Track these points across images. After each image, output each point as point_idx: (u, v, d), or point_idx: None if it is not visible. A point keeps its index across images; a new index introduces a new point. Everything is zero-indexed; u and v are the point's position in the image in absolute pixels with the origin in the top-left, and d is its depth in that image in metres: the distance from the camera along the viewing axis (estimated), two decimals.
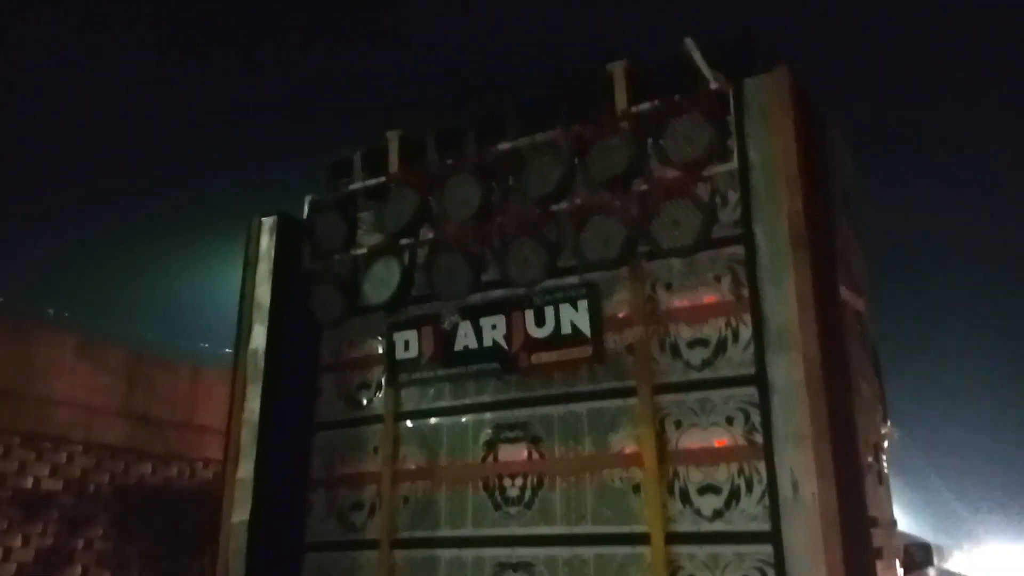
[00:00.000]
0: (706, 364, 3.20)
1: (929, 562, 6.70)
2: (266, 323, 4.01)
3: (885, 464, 4.78)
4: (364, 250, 4.01)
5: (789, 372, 2.79)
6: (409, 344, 3.74)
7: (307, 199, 4.29)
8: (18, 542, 12.96)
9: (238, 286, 4.22)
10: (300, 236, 4.17)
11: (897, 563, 3.36)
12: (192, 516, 14.19)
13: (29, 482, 12.85)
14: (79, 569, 13.37)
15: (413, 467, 3.74)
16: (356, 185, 4.19)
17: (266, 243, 4.20)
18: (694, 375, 3.21)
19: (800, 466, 2.68)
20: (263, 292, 4.09)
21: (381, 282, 3.87)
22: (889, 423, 5.36)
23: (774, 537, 2.75)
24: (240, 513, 3.73)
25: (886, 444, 5.30)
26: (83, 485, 14.00)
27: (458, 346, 3.61)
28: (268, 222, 4.25)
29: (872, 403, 3.37)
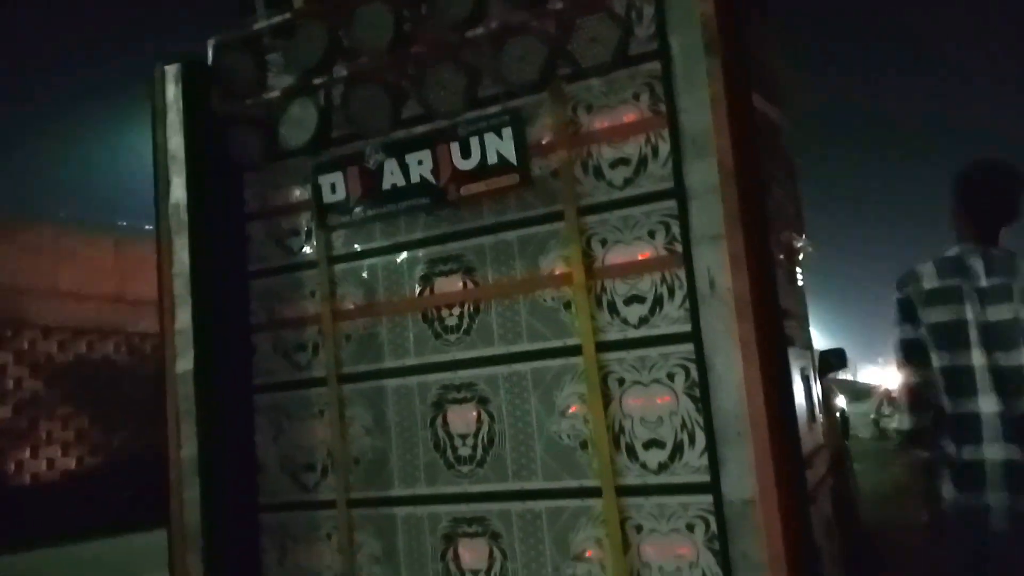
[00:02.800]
0: (628, 182, 3.29)
1: (843, 365, 7.23)
2: (184, 174, 3.91)
3: (800, 272, 5.09)
4: (277, 92, 3.88)
5: (705, 177, 2.90)
6: (336, 186, 3.72)
7: (210, 42, 4.08)
8: None
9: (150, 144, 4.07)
10: (208, 82, 4.00)
11: (810, 357, 3.65)
12: (135, 390, 14.31)
13: None
14: (28, 447, 13.53)
15: (352, 306, 3.83)
16: (261, 24, 3.98)
17: (172, 92, 4.01)
18: (617, 194, 3.31)
19: (716, 264, 2.85)
20: (176, 143, 3.95)
21: (298, 124, 3.77)
22: (805, 236, 5.66)
23: (695, 335, 2.96)
24: (184, 363, 3.79)
25: (801, 256, 5.61)
26: (21, 365, 13.90)
27: (386, 184, 3.61)
28: (172, 70, 4.04)
29: (784, 207, 3.54)
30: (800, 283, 5.73)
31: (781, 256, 3.29)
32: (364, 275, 3.81)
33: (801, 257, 5.83)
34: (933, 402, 2.74)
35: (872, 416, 19.16)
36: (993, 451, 2.57)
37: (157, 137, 4.01)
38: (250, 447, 3.97)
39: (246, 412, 3.99)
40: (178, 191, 3.95)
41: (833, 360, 7.22)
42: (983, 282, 2.66)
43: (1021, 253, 2.71)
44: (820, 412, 5.20)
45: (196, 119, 3.99)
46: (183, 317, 3.85)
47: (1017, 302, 2.58)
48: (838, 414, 7.51)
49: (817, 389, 4.46)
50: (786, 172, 4.21)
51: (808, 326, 4.95)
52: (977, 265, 2.70)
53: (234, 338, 4.01)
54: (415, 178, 3.53)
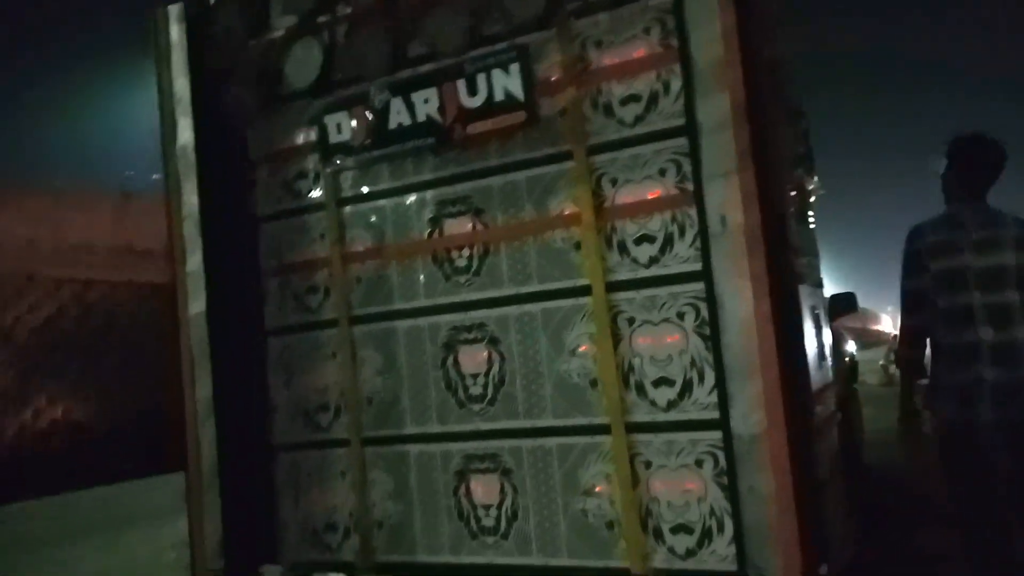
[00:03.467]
0: (638, 120, 3.25)
1: (852, 309, 7.23)
2: (190, 116, 3.89)
3: (812, 213, 5.06)
4: (281, 32, 3.83)
5: (716, 113, 2.86)
6: (341, 127, 3.69)
7: None
8: None
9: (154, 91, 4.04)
10: (211, 22, 3.95)
11: (821, 296, 3.64)
12: (143, 339, 14.42)
13: None
14: (41, 400, 13.72)
15: (361, 248, 3.83)
16: None
17: (176, 32, 3.97)
18: (627, 132, 3.27)
19: (727, 201, 2.84)
20: (181, 85, 3.92)
21: (303, 65, 3.74)
22: (816, 178, 5.61)
23: (705, 273, 2.96)
24: (196, 305, 3.82)
25: (813, 198, 5.57)
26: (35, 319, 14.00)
27: (392, 124, 3.58)
28: (175, 10, 3.99)
29: (792, 146, 3.50)
30: (812, 224, 5.70)
31: (792, 194, 3.27)
32: (373, 217, 3.81)
33: (812, 199, 5.80)
34: (928, 336, 3.23)
35: (881, 362, 19.22)
36: (988, 372, 3.04)
37: (162, 79, 3.97)
38: (264, 388, 4.02)
39: (259, 354, 4.04)
40: (185, 133, 3.93)
41: (843, 304, 7.20)
42: (975, 235, 3.14)
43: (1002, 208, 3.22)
44: (829, 353, 5.22)
45: (200, 60, 3.95)
46: (194, 259, 3.87)
47: (1004, 250, 3.08)
48: (847, 359, 7.52)
49: (827, 330, 4.47)
50: (793, 112, 4.15)
51: (819, 266, 4.93)
52: (970, 220, 3.18)
53: (245, 281, 4.02)
54: (421, 117, 3.50)
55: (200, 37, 3.96)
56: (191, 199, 3.87)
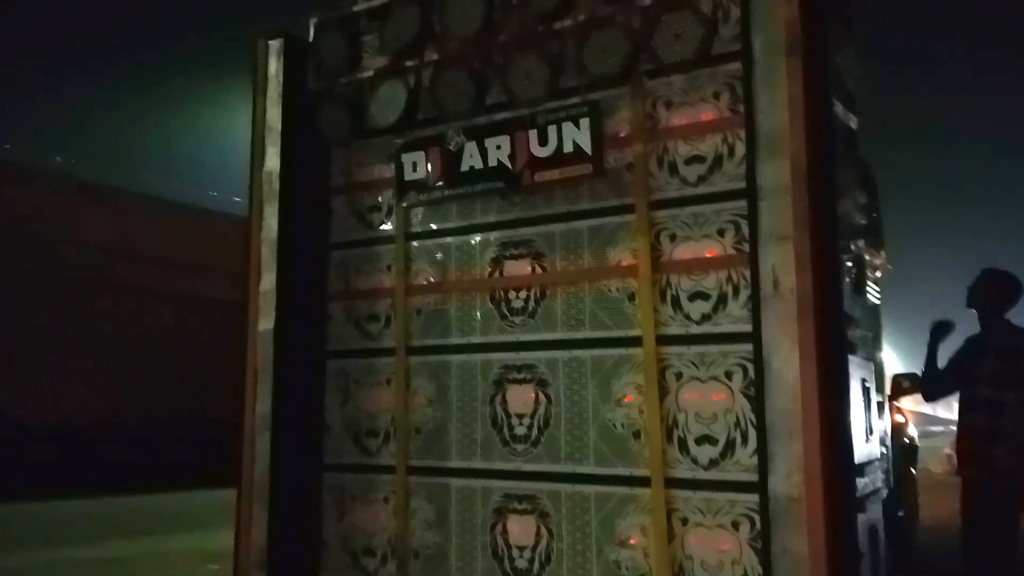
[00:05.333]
0: (701, 180, 3.34)
1: (916, 390, 7.07)
2: (278, 144, 4.13)
3: (876, 289, 5.04)
4: (370, 73, 4.06)
5: (777, 176, 2.93)
6: (417, 165, 3.88)
7: (312, 21, 4.30)
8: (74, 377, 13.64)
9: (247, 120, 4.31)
10: (306, 58, 4.22)
11: (873, 369, 3.61)
12: (215, 355, 14.89)
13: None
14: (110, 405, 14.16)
15: (424, 282, 3.98)
16: (360, 5, 4.18)
17: (274, 66, 4.24)
18: (689, 190, 3.36)
19: (781, 263, 2.88)
20: (274, 115, 4.18)
21: (388, 104, 3.95)
22: (884, 253, 5.58)
23: (755, 334, 2.99)
24: (265, 322, 4.02)
25: (879, 273, 5.53)
26: (102, 325, 14.58)
27: (464, 166, 3.75)
28: (275, 44, 4.27)
29: (855, 216, 3.52)
30: (876, 299, 5.65)
31: (849, 264, 3.28)
32: (438, 253, 3.96)
33: (879, 274, 5.75)
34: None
35: (947, 450, 18.35)
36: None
37: (257, 107, 4.24)
38: (319, 408, 4.17)
39: (318, 375, 4.20)
40: (272, 161, 4.18)
41: (906, 384, 7.04)
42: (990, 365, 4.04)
43: None
44: (882, 428, 5.12)
45: (293, 93, 4.21)
46: (267, 280, 4.08)
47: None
48: (907, 440, 7.31)
49: (879, 406, 4.41)
50: (862, 183, 4.17)
51: (877, 341, 4.88)
52: (989, 346, 4.10)
53: (312, 304, 4.21)
54: (492, 162, 3.65)
55: (295, 71, 4.23)
56: (271, 223, 4.10)
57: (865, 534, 3.05)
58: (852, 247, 3.39)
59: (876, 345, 5.33)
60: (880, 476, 3.58)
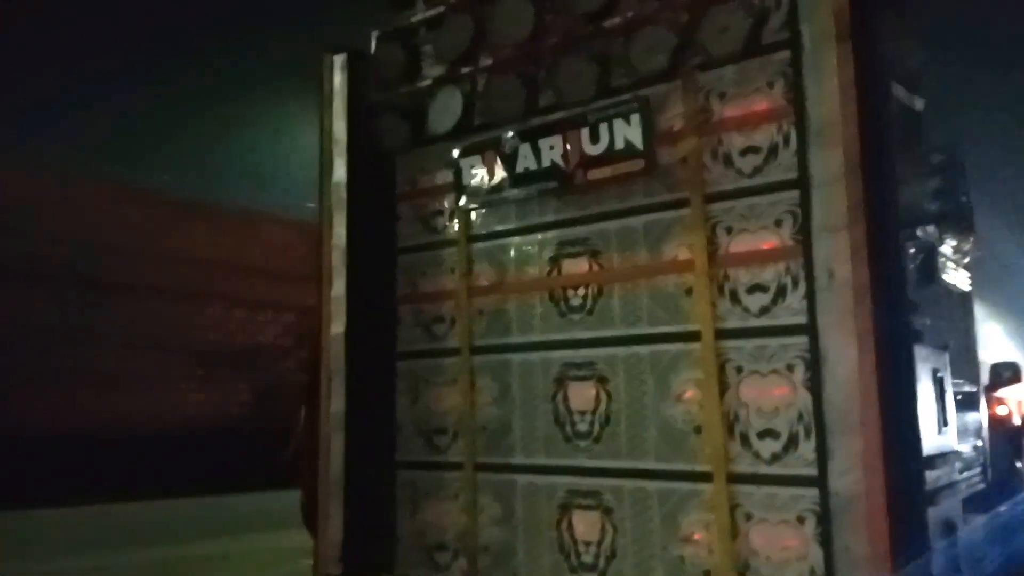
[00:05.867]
0: (756, 171, 3.29)
1: (1017, 379, 6.78)
2: (345, 156, 4.30)
3: (964, 273, 4.86)
4: (428, 81, 4.17)
5: (828, 166, 2.86)
6: (474, 169, 3.96)
7: (373, 33, 4.44)
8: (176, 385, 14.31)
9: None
10: (368, 70, 4.37)
11: (946, 359, 3.47)
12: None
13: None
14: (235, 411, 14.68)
15: (486, 283, 4.07)
16: (418, 16, 4.31)
17: (338, 79, 4.41)
18: (745, 182, 3.31)
19: (835, 255, 2.81)
20: (339, 127, 4.35)
21: (445, 111, 4.06)
22: (973, 238, 5.36)
23: (810, 327, 2.93)
24: (337, 326, 4.19)
25: (967, 259, 5.34)
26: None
27: (519, 168, 3.80)
28: (339, 59, 4.44)
29: (924, 201, 3.40)
30: (964, 286, 5.45)
31: (913, 251, 3.17)
32: (498, 255, 4.03)
33: (967, 260, 5.51)
34: None
35: None
36: None
37: (323, 121, 4.42)
38: (391, 408, 4.31)
39: (389, 375, 4.34)
40: (339, 171, 4.35)
41: (1007, 374, 6.72)
42: None
43: None
44: (975, 421, 4.90)
45: (358, 105, 4.37)
46: (338, 285, 4.25)
47: None
48: (1011, 432, 6.96)
49: (970, 397, 4.23)
50: (943, 167, 4.01)
51: (969, 329, 4.74)
52: None
53: (381, 308, 4.36)
54: (546, 162, 3.70)
55: (358, 84, 4.38)
56: (339, 231, 4.26)
57: (938, 529, 2.95)
58: (919, 234, 3.27)
59: (968, 333, 5.16)
60: (955, 469, 3.43)
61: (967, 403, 5.46)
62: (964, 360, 5.65)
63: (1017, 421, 7.34)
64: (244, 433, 14.35)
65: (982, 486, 5.54)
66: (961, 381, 5.53)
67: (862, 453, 2.70)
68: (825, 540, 2.83)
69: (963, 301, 5.77)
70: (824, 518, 2.84)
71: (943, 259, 5.35)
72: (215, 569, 6.62)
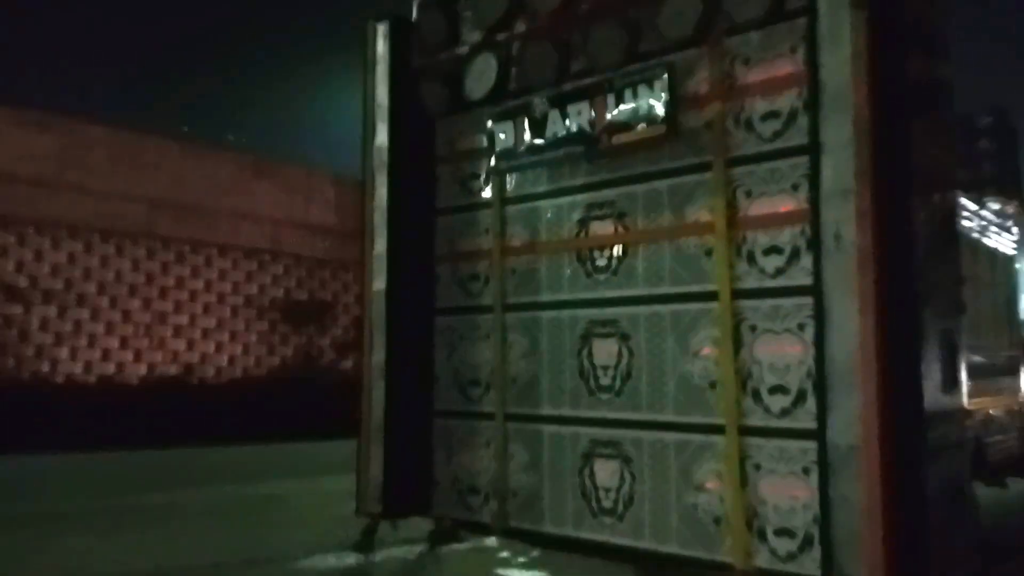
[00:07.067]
0: (777, 135, 3.37)
1: None
2: (387, 120, 4.51)
3: (1009, 236, 4.83)
4: (466, 48, 4.33)
5: (839, 132, 2.94)
6: (507, 134, 4.12)
7: (415, 1, 4.61)
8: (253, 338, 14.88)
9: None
10: (410, 37, 4.55)
11: (958, 324, 3.49)
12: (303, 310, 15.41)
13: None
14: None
15: (518, 244, 4.25)
16: None
17: (381, 46, 4.60)
18: (766, 147, 3.40)
19: (843, 218, 2.90)
20: (382, 92, 4.55)
21: (481, 77, 4.22)
22: (1017, 202, 5.30)
23: (816, 288, 3.04)
24: (379, 282, 4.44)
25: (1011, 222, 5.29)
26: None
27: (548, 133, 3.96)
28: (382, 27, 4.63)
29: (946, 166, 3.42)
30: (1010, 249, 5.40)
31: (930, 215, 3.21)
32: (530, 216, 4.20)
33: (1011, 223, 5.45)
34: None
35: None
36: None
37: (367, 86, 4.63)
38: (429, 360, 4.56)
39: (427, 330, 4.58)
40: (382, 135, 4.56)
41: None
42: None
43: None
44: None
45: (399, 71, 4.56)
46: (380, 244, 4.49)
47: None
48: None
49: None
50: (987, 131, 4.00)
51: (1007, 295, 4.74)
52: None
53: (421, 266, 4.59)
54: (573, 127, 3.84)
55: (402, 50, 4.57)
56: (381, 192, 4.49)
57: (939, 486, 3.05)
58: (937, 199, 3.31)
59: (1010, 297, 5.15)
60: (959, 428, 3.47)
61: (1005, 367, 5.45)
62: (1005, 323, 5.61)
63: None
64: (314, 384, 14.85)
65: (1017, 452, 5.54)
66: (1001, 344, 5.52)
67: (861, 408, 2.82)
68: (824, 490, 2.97)
69: (1006, 264, 5.72)
70: (824, 469, 2.97)
71: (984, 223, 5.32)
72: (279, 506, 7.06)
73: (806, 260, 3.24)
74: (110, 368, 14.02)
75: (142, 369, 14.27)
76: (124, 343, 14.25)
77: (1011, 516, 5.71)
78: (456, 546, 4.77)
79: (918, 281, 3.02)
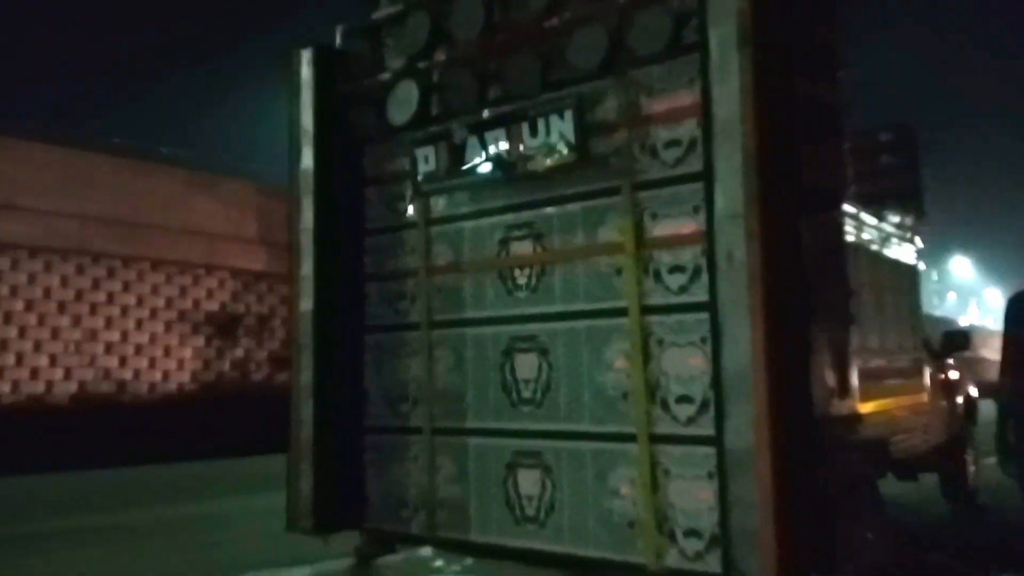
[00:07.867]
0: (679, 161, 3.61)
1: (966, 346, 7.12)
2: (312, 144, 4.62)
3: (913, 248, 5.17)
4: (388, 75, 4.48)
5: (730, 160, 3.18)
6: (428, 159, 4.29)
7: (339, 29, 4.75)
8: (188, 353, 14.85)
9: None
10: (334, 64, 4.67)
11: (848, 333, 3.78)
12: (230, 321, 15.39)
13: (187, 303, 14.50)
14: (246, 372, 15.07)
15: (443, 263, 4.41)
16: (381, 13, 4.61)
17: (306, 73, 4.71)
18: (669, 172, 3.64)
19: (734, 240, 3.14)
20: (307, 117, 4.67)
21: (403, 103, 4.37)
22: (915, 214, 5.69)
23: (711, 305, 3.28)
24: (305, 303, 4.55)
25: (918, 240, 5.68)
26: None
27: (468, 158, 4.13)
28: (307, 54, 4.74)
29: (834, 186, 3.70)
30: (911, 261, 5.76)
31: (815, 234, 3.46)
32: (454, 237, 4.37)
33: (915, 237, 5.83)
34: None
35: None
36: None
37: (292, 112, 4.73)
38: (359, 378, 4.68)
39: (358, 348, 4.70)
40: (307, 159, 4.67)
41: (957, 341, 7.05)
42: None
43: None
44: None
45: (324, 97, 4.68)
46: (307, 266, 4.60)
47: None
48: (960, 399, 7.32)
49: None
50: (889, 147, 4.31)
51: (909, 302, 5.11)
52: None
53: (350, 285, 4.71)
54: (491, 153, 4.02)
55: (325, 77, 4.69)
56: (307, 215, 4.61)
57: (836, 484, 3.31)
58: (821, 218, 3.59)
59: (913, 305, 5.51)
60: (854, 429, 3.77)
61: (908, 370, 5.81)
62: (908, 328, 5.99)
63: (972, 389, 7.69)
64: (252, 398, 14.70)
65: (921, 448, 5.91)
66: (905, 348, 5.88)
67: (754, 416, 3.06)
68: (722, 492, 3.20)
69: (909, 274, 6.10)
70: (722, 472, 3.20)
71: (886, 234, 5.68)
72: (213, 525, 7.06)
73: (706, 278, 3.47)
74: (39, 387, 13.69)
75: (73, 387, 13.98)
76: (53, 361, 13.95)
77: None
78: (390, 558, 4.91)
79: (807, 296, 3.28)
